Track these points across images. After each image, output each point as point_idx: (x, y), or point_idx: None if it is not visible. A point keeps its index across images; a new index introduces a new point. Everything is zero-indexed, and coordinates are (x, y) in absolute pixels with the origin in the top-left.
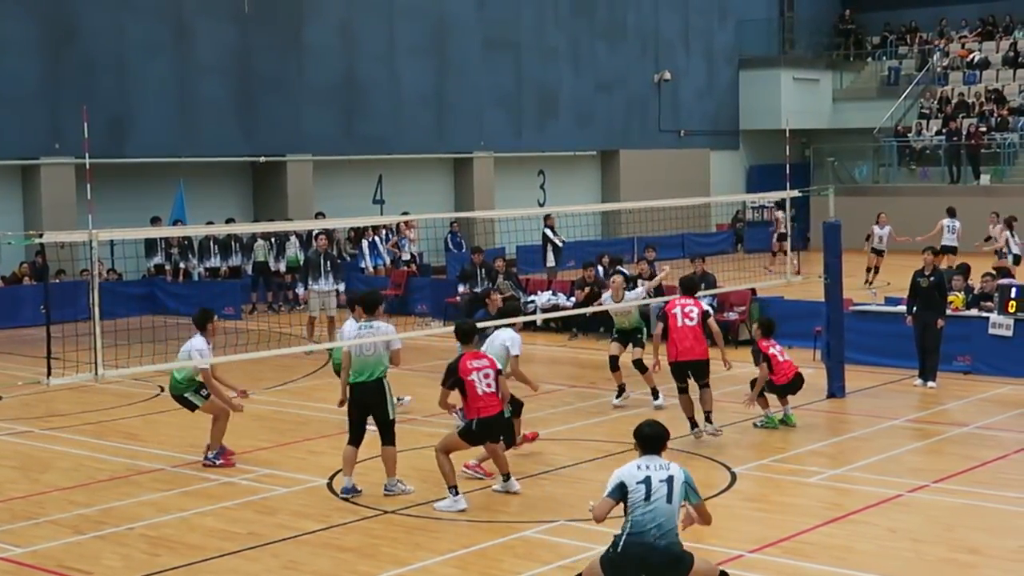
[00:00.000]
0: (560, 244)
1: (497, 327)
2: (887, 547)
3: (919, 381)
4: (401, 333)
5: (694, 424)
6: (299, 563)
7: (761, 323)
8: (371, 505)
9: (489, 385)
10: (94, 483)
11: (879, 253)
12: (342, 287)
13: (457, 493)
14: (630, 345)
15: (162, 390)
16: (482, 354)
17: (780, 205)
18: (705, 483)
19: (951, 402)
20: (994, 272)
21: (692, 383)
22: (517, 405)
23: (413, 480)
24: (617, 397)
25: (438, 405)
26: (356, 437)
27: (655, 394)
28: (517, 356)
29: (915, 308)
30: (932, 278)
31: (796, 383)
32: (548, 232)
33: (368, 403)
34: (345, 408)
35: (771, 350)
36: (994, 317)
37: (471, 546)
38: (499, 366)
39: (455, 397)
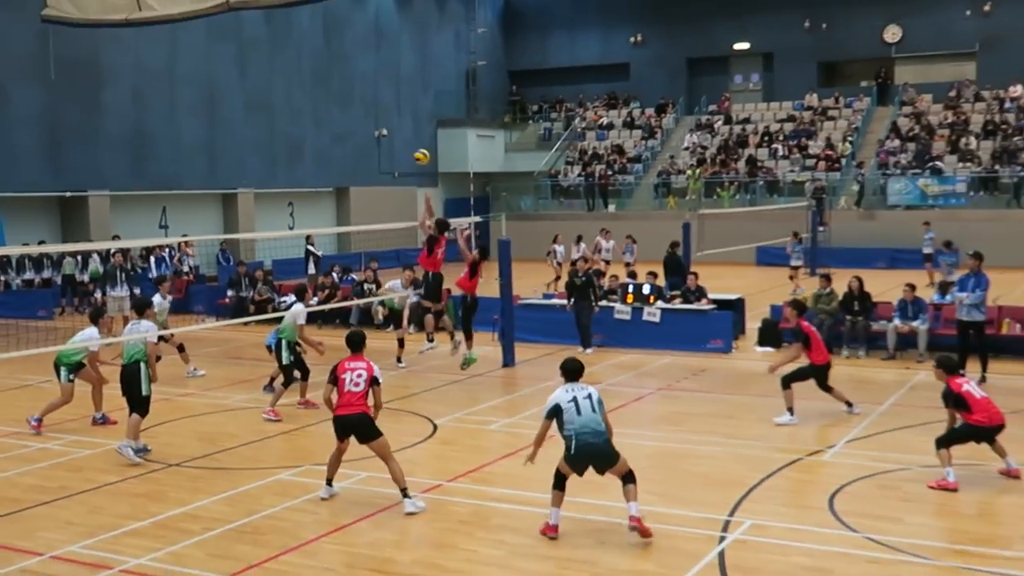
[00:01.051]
0: (320, 256)
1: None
2: (547, 474)
3: (582, 349)
4: (182, 327)
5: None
6: (102, 508)
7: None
8: (159, 460)
9: (357, 384)
10: None
11: (560, 265)
12: (137, 290)
13: (329, 485)
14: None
15: None
16: (363, 358)
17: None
18: (413, 432)
19: (591, 367)
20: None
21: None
22: (304, 372)
23: (190, 439)
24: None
25: (323, 400)
26: (131, 408)
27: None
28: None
29: (573, 299)
30: (584, 279)
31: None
32: (310, 248)
33: (127, 381)
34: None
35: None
36: (618, 307)
37: (238, 487)
38: (377, 374)
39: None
